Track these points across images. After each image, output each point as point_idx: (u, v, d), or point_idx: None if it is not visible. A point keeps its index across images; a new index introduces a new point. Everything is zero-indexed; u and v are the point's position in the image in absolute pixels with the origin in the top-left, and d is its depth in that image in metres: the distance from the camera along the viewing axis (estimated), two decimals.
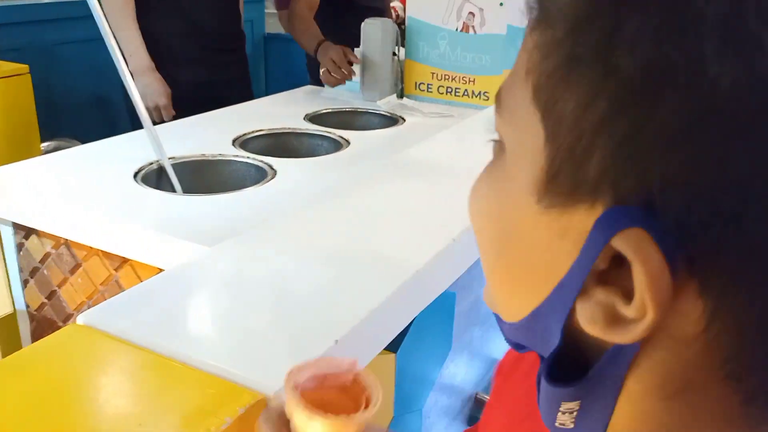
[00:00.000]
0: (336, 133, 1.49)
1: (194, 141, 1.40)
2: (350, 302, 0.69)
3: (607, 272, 0.25)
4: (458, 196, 0.99)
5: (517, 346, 0.34)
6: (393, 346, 0.80)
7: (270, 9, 3.16)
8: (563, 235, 0.26)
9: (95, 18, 1.08)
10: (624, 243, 0.24)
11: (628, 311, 0.25)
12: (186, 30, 1.81)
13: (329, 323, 0.65)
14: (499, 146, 0.31)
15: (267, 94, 3.39)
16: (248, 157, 1.30)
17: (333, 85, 1.82)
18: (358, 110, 1.75)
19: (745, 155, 0.22)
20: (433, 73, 1.79)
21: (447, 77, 1.77)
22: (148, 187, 1.13)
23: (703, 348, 0.25)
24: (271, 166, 1.25)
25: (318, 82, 1.95)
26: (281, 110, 1.70)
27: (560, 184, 0.26)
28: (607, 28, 0.24)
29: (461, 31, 1.71)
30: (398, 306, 0.73)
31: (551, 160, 0.26)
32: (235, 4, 1.95)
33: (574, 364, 0.29)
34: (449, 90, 1.78)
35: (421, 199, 1.00)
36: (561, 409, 0.30)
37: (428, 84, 1.81)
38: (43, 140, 2.30)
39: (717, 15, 0.22)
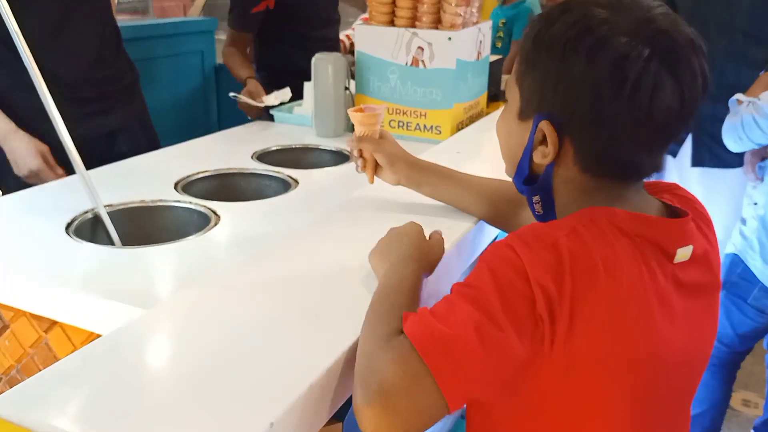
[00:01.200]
0: (284, 172, 1.45)
1: (133, 185, 1.34)
2: (289, 375, 0.64)
3: (541, 140, 0.73)
4: None
5: (520, 190, 0.80)
6: (339, 415, 0.75)
7: (220, 36, 3.11)
8: (525, 130, 0.74)
9: None
10: (543, 126, 0.71)
11: (548, 149, 0.72)
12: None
13: (265, 402, 0.60)
14: (505, 102, 0.80)
15: (219, 124, 3.34)
16: (190, 203, 1.25)
17: (248, 114, 2.01)
18: (309, 147, 1.71)
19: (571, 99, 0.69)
20: (386, 108, 1.76)
21: (398, 111, 1.75)
22: (81, 241, 1.07)
23: (572, 161, 0.72)
24: (214, 212, 1.20)
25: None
26: (229, 148, 1.65)
27: (523, 113, 0.74)
28: (531, 54, 0.72)
29: (411, 65, 1.69)
30: (343, 375, 0.68)
31: (521, 106, 0.74)
32: (106, 42, 1.65)
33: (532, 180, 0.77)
34: (401, 124, 1.76)
35: (368, 249, 0.96)
36: (533, 201, 0.78)
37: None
38: None
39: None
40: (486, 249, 0.71)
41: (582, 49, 0.66)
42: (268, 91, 1.91)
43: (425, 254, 0.84)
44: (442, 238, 0.90)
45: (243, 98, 1.91)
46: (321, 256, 0.94)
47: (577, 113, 0.69)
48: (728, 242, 1.74)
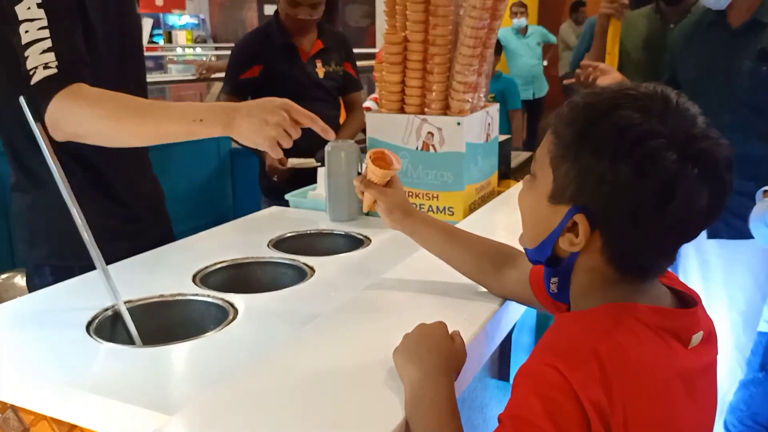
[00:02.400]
0: (300, 260, 1.46)
1: (153, 279, 1.36)
2: None
3: (570, 227, 0.76)
4: None
5: (534, 261, 0.87)
6: None
7: None
8: (555, 214, 0.77)
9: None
10: (577, 218, 0.74)
11: (578, 239, 0.75)
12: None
13: None
14: (532, 176, 0.83)
15: (234, 209, 3.40)
16: (208, 296, 1.26)
17: (277, 179, 2.24)
18: (323, 232, 1.73)
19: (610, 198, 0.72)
20: None
21: (411, 194, 1.78)
22: (101, 341, 1.07)
23: (598, 253, 0.76)
24: (232, 305, 1.21)
25: (267, 191, 2.37)
26: (245, 236, 1.67)
27: (556, 197, 0.77)
28: (574, 145, 0.75)
29: (422, 150, 1.73)
30: None
31: (554, 189, 0.77)
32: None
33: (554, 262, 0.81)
34: (414, 206, 1.78)
35: (390, 344, 0.96)
36: (551, 281, 0.83)
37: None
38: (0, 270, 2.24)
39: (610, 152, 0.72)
40: (523, 369, 0.71)
41: (633, 161, 0.69)
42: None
43: (453, 360, 0.86)
44: (463, 340, 0.91)
45: (278, 167, 2.15)
46: (341, 352, 0.94)
47: (615, 214, 0.72)
48: (760, 320, 1.72)
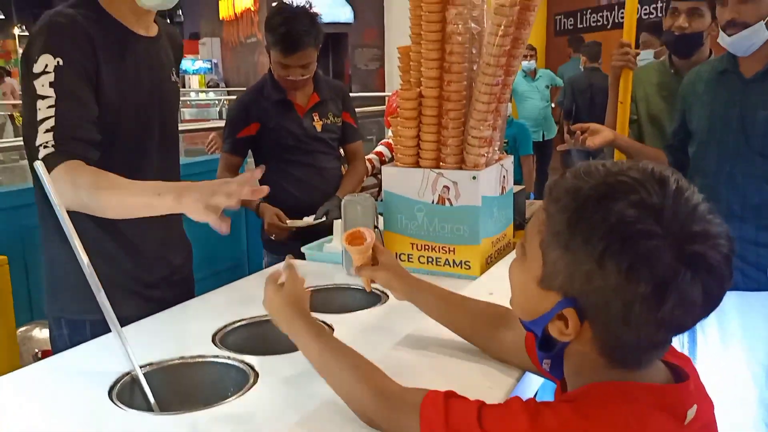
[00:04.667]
0: (319, 318, 1.46)
1: (173, 339, 1.36)
2: None
3: (560, 316, 0.75)
4: None
5: (527, 330, 0.85)
6: None
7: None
8: (545, 299, 0.76)
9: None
10: (567, 312, 0.74)
11: (568, 331, 0.74)
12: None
13: None
14: (523, 250, 0.80)
15: (248, 254, 3.42)
16: (228, 357, 1.26)
17: (276, 238, 2.23)
18: (341, 287, 1.73)
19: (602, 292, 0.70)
20: (412, 244, 1.80)
21: (427, 247, 1.78)
22: (122, 407, 1.07)
23: (590, 343, 0.75)
24: (252, 367, 1.21)
25: (269, 246, 2.38)
26: (261, 293, 1.67)
27: (545, 282, 0.76)
28: (564, 234, 0.72)
29: (437, 203, 1.74)
30: None
31: (543, 274, 0.75)
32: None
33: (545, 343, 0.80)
34: (430, 260, 1.78)
35: None
36: (543, 362, 0.83)
37: (408, 254, 1.81)
38: (18, 324, 2.25)
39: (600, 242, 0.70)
40: None
41: (625, 261, 0.67)
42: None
43: (291, 306, 1.12)
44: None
45: (280, 224, 2.19)
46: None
47: (605, 311, 0.71)
48: None
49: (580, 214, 0.71)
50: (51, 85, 1.33)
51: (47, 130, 1.31)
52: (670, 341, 0.77)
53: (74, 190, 1.29)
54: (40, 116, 1.32)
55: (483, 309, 1.17)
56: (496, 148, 1.80)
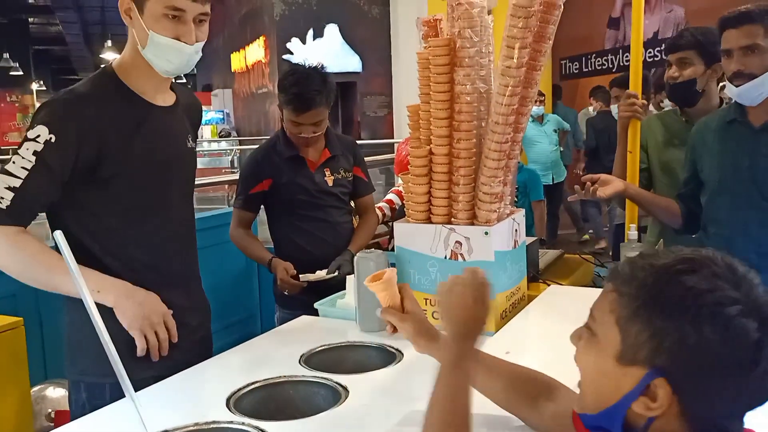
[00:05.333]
0: (333, 378, 1.45)
1: (187, 402, 1.35)
2: None
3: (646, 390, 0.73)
4: None
5: (593, 428, 0.80)
6: None
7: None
8: (628, 376, 0.74)
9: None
10: (657, 383, 0.72)
11: (657, 404, 0.72)
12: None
13: None
14: (591, 331, 0.80)
15: (260, 306, 3.42)
16: (243, 423, 1.25)
17: (289, 293, 2.25)
18: (355, 344, 1.73)
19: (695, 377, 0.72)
20: (426, 299, 1.79)
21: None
22: None
23: (678, 419, 0.73)
24: None
25: (281, 301, 2.39)
26: (276, 352, 1.67)
27: (627, 358, 0.74)
28: (648, 306, 0.74)
29: (450, 258, 1.74)
30: None
31: (623, 349, 0.75)
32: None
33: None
34: (437, 330, 1.77)
35: None
36: None
37: (423, 310, 1.80)
38: (33, 383, 2.24)
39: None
40: None
41: (718, 325, 0.70)
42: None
43: (467, 325, 1.03)
44: (485, 302, 1.07)
45: (290, 281, 2.21)
46: None
47: (699, 378, 0.71)
48: None
49: (663, 286, 0.73)
50: (35, 153, 1.41)
51: (8, 188, 1.39)
52: (744, 415, 0.77)
53: (13, 252, 1.41)
54: (10, 170, 1.41)
55: (520, 375, 1.11)
56: (507, 203, 1.81)
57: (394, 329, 1.25)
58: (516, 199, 4.37)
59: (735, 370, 0.70)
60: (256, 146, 2.69)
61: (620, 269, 0.78)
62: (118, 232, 1.53)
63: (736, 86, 1.87)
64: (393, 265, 1.85)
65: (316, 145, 2.35)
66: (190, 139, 1.68)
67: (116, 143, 1.48)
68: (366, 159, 2.67)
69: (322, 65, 2.32)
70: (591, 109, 6.31)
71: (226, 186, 4.93)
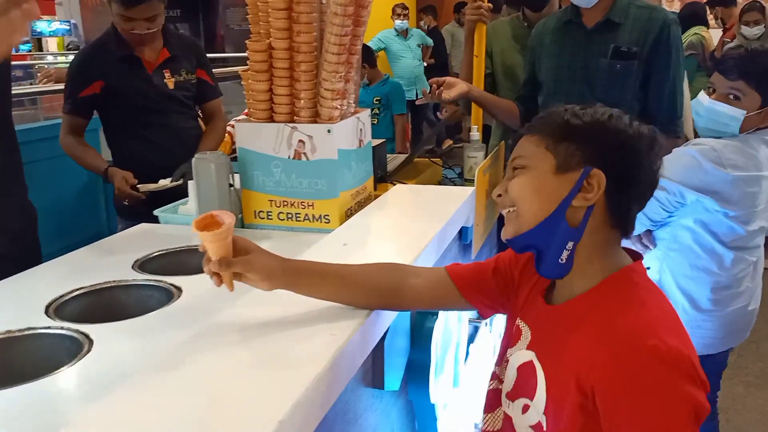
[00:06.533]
0: (167, 280, 1.40)
1: (0, 310, 1.25)
2: None
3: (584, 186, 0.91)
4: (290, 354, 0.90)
5: (529, 245, 0.96)
6: None
7: None
8: (566, 181, 0.91)
9: None
10: (594, 173, 0.90)
11: (592, 194, 0.90)
12: None
13: None
14: (522, 168, 0.95)
15: (108, 226, 3.22)
16: (61, 327, 1.17)
17: (129, 203, 2.08)
18: (195, 247, 1.66)
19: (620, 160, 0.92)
20: (271, 201, 1.75)
21: (285, 203, 1.74)
22: None
23: (603, 212, 0.92)
24: (87, 336, 1.13)
25: (122, 212, 2.28)
26: (107, 260, 1.58)
27: (563, 167, 0.92)
28: (571, 132, 0.94)
29: (294, 158, 1.70)
30: None
31: (557, 162, 0.92)
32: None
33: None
34: (289, 216, 1.75)
35: (253, 369, 0.92)
36: (566, 247, 0.92)
37: (268, 212, 1.77)
38: None
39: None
40: (634, 380, 0.82)
41: (624, 123, 0.92)
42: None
43: None
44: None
45: (129, 191, 2.04)
46: (203, 385, 0.89)
47: (619, 170, 0.90)
48: None
49: (578, 113, 0.94)
50: None
51: None
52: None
53: None
54: None
55: (377, 271, 1.10)
56: (351, 101, 1.78)
57: (221, 281, 1.02)
58: (378, 111, 4.40)
59: (645, 160, 0.90)
60: None
61: (533, 122, 0.97)
62: None
63: None
64: (237, 173, 1.78)
65: (152, 44, 2.17)
66: None
67: None
68: (230, 74, 2.51)
69: None
70: (422, 23, 6.42)
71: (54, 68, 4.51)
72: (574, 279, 0.94)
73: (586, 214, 0.91)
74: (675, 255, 1.82)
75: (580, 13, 2.02)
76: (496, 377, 1.07)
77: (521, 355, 0.99)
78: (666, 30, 1.95)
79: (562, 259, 0.92)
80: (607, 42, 1.99)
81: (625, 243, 0.99)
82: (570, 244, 0.91)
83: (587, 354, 0.85)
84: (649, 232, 1.83)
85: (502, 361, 1.06)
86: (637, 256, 0.98)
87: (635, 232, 1.79)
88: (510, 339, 1.05)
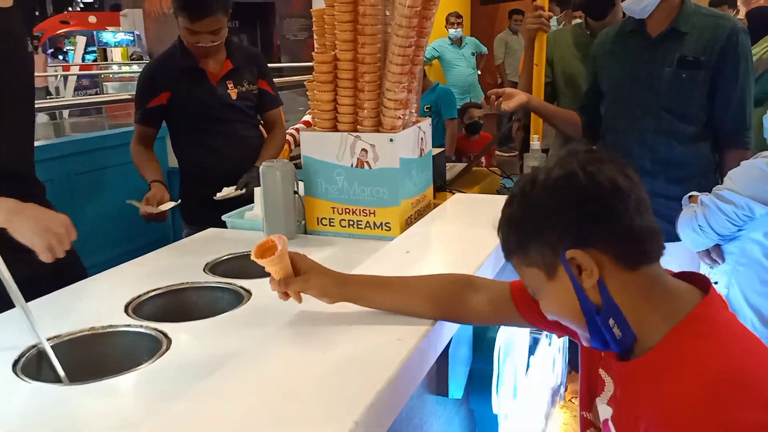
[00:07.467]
0: (237, 283, 1.45)
1: (83, 310, 1.32)
2: None
3: (578, 272, 0.84)
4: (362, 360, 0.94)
5: (602, 343, 0.89)
6: None
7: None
8: (562, 279, 0.86)
9: None
10: (571, 254, 0.83)
11: (587, 268, 0.84)
12: None
13: None
14: (533, 293, 0.93)
15: (174, 229, 3.33)
16: (141, 326, 1.24)
17: (147, 221, 2.12)
18: None
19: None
20: (333, 208, 1.80)
21: (347, 211, 1.79)
22: (28, 380, 1.04)
23: (613, 264, 0.84)
24: (165, 334, 1.19)
25: (188, 218, 2.37)
26: (181, 261, 1.65)
27: (548, 271, 0.87)
28: (517, 245, 0.91)
29: (356, 167, 1.74)
30: None
31: (543, 272, 0.88)
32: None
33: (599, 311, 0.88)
34: (351, 223, 1.79)
35: (320, 373, 0.96)
36: (610, 325, 0.85)
37: (330, 218, 1.81)
38: None
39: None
40: None
41: (540, 184, 0.86)
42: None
43: None
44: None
45: (137, 204, 2.08)
46: (270, 384, 0.93)
47: (581, 227, 0.83)
48: None
49: (521, 202, 0.88)
50: None
51: None
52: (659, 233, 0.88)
53: None
54: None
55: (439, 282, 1.12)
56: (413, 111, 1.81)
57: (287, 297, 1.12)
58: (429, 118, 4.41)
59: (582, 196, 0.83)
60: None
61: (503, 249, 0.93)
62: None
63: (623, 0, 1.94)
64: (301, 180, 1.83)
65: (216, 56, 2.25)
66: (30, 43, 1.58)
67: None
68: (287, 83, 2.57)
69: None
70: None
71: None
72: (639, 337, 0.87)
73: (601, 287, 0.84)
74: (744, 270, 1.78)
75: (644, 22, 2.00)
76: (591, 425, 1.02)
77: (604, 410, 0.95)
78: (734, 38, 1.92)
79: (617, 335, 0.86)
80: (672, 51, 1.96)
81: (693, 258, 0.97)
82: (611, 321, 0.85)
83: (658, 419, 0.79)
84: (717, 246, 1.80)
85: (591, 407, 1.01)
86: (702, 283, 0.88)
87: (703, 247, 1.76)
88: (595, 387, 0.99)
